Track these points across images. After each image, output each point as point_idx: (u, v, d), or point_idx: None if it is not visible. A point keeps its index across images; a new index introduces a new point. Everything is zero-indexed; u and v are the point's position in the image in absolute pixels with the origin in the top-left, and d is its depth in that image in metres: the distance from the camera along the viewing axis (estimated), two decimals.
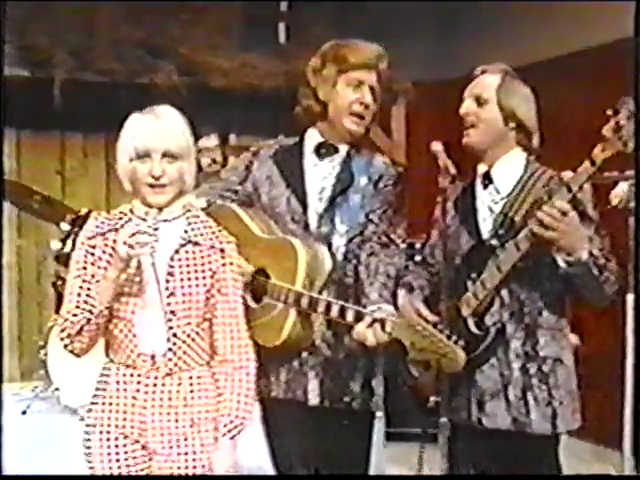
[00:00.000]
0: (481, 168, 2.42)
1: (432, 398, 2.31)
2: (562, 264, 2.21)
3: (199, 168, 2.26)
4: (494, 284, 2.29)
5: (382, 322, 2.24)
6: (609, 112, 2.10)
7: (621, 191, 3.04)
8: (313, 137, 2.53)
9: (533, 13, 4.88)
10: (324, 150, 2.50)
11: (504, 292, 2.31)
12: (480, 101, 2.37)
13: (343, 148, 2.50)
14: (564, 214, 2.14)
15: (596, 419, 2.82)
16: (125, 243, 2.03)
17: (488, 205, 2.38)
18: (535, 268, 2.29)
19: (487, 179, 2.39)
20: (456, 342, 2.16)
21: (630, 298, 3.05)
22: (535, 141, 2.41)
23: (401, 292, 2.41)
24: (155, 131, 2.09)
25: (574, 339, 3.43)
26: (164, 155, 2.09)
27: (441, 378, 2.26)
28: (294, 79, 2.64)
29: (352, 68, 2.44)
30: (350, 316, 2.28)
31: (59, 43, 4.84)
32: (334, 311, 2.30)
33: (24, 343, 5.35)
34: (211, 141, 4.28)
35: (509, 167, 2.38)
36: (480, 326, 2.30)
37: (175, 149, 2.09)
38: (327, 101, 2.46)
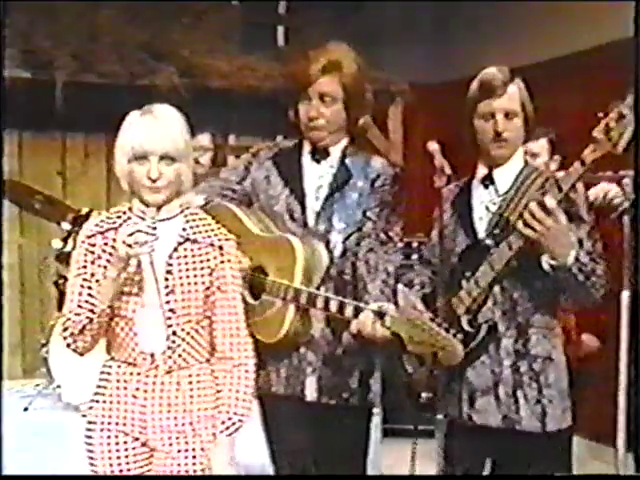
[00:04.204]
0: (482, 168, 2.41)
1: (424, 394, 2.34)
2: (545, 266, 2.22)
3: None
4: (487, 282, 2.30)
5: (381, 316, 2.25)
6: (600, 114, 2.13)
7: (601, 190, 2.89)
8: (306, 143, 2.54)
9: (531, 14, 4.88)
10: (318, 156, 2.52)
11: (497, 290, 2.31)
12: (509, 115, 2.32)
13: (335, 150, 2.52)
14: (549, 213, 2.15)
15: (591, 415, 2.84)
16: (124, 242, 2.02)
17: (486, 205, 2.38)
18: (528, 267, 2.28)
19: (489, 179, 2.39)
20: (455, 335, 2.17)
21: (625, 295, 3.07)
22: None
23: (400, 286, 2.41)
24: (153, 133, 2.08)
25: (593, 341, 3.44)
26: (162, 157, 2.08)
27: (434, 374, 2.28)
28: (292, 81, 2.67)
29: (311, 80, 2.41)
30: (349, 311, 2.30)
31: (61, 46, 4.83)
32: (333, 307, 2.32)
33: (27, 341, 5.35)
34: (200, 140, 4.15)
35: (509, 167, 2.37)
36: (473, 324, 2.31)
37: (173, 152, 2.09)
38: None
